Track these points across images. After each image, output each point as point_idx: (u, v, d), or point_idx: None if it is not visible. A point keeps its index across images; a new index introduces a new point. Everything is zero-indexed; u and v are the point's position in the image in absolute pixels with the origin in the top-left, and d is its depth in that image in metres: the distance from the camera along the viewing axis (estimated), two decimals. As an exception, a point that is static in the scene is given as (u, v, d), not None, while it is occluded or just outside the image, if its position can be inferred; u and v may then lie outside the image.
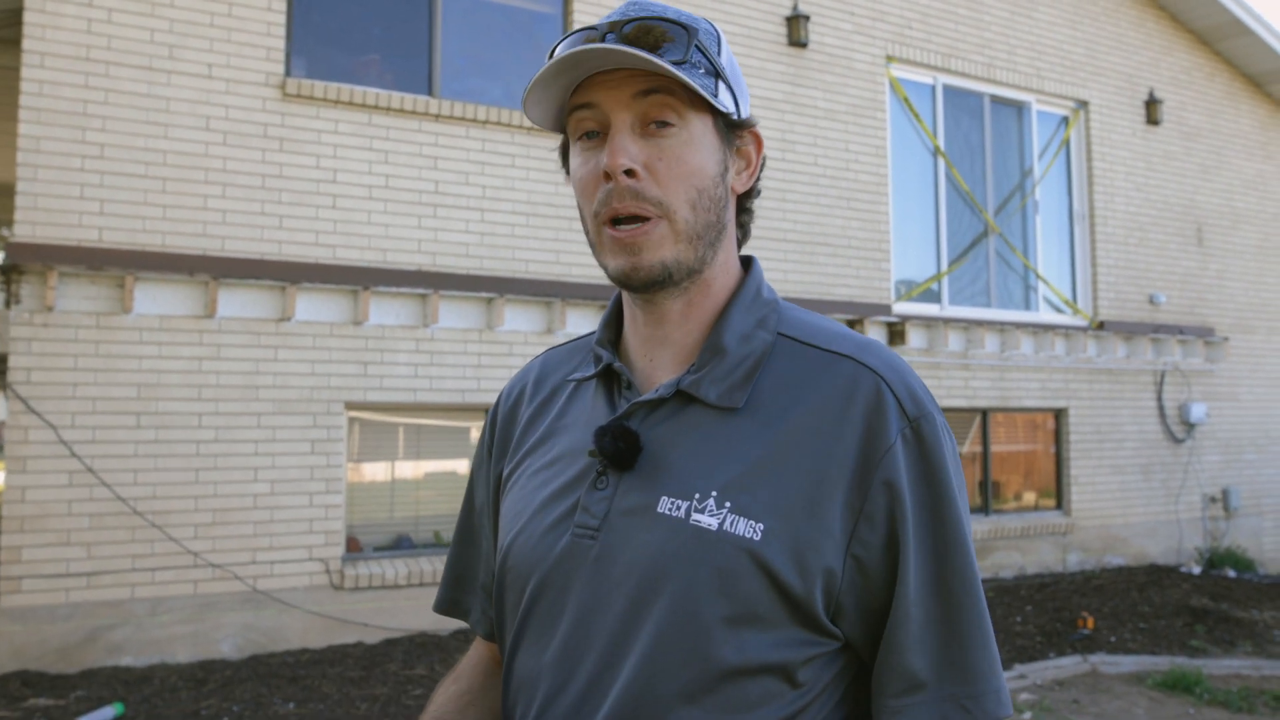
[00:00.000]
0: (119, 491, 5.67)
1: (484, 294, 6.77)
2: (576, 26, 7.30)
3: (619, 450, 1.07)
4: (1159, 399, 10.25)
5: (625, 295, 1.18)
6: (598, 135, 1.07)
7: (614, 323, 1.22)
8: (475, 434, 7.06)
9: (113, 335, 5.77)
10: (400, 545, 6.68)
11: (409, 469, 6.92)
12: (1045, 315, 9.72)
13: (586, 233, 1.11)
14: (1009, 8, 9.64)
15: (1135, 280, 10.24)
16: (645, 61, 1.01)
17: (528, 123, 7.05)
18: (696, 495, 1.02)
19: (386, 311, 6.54)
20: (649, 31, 1.04)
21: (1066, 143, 10.07)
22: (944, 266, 9.16)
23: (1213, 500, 10.62)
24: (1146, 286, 10.31)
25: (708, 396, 1.07)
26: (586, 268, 7.20)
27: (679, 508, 1.02)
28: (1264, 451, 11.24)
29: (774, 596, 0.99)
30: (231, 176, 6.18)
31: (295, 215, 6.34)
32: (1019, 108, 9.82)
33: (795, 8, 8.24)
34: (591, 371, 1.19)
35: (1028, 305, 9.75)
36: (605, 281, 7.20)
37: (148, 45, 6.05)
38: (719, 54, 1.10)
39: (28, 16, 5.81)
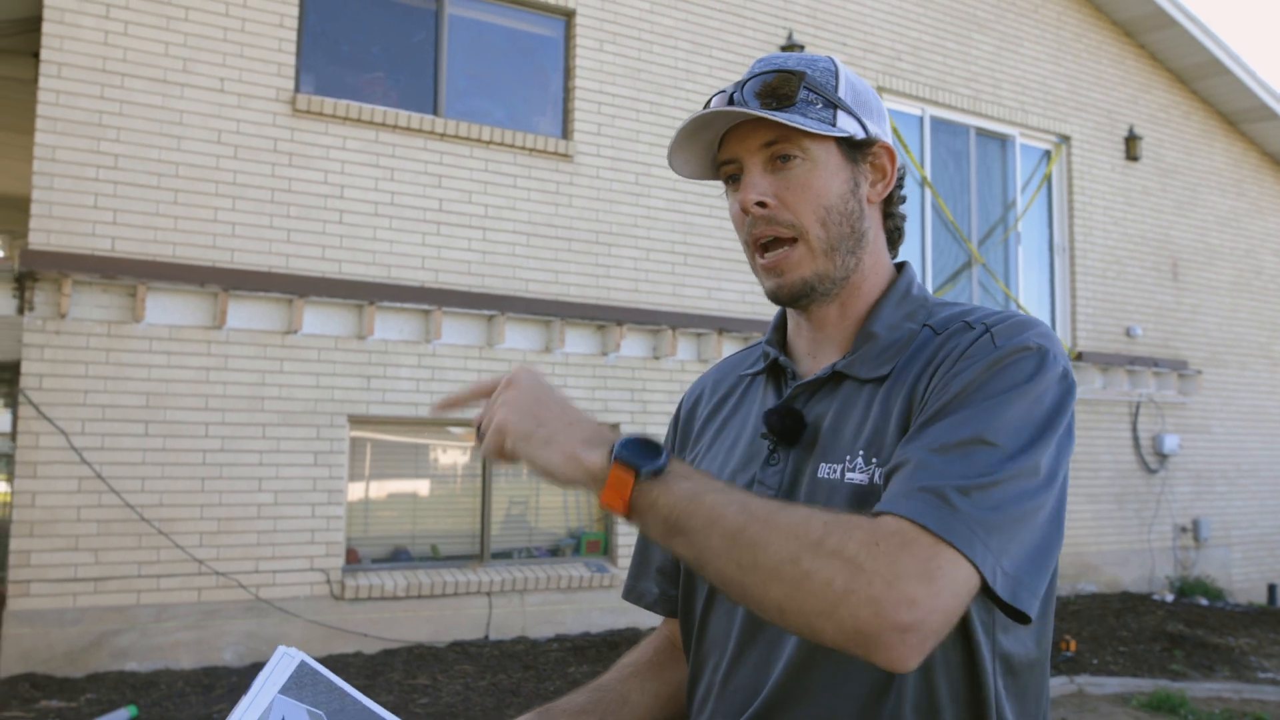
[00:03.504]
0: (127, 498, 5.73)
1: (485, 311, 6.90)
2: (579, 55, 7.48)
3: (785, 427, 1.22)
4: (1134, 429, 10.49)
5: None
6: (740, 179, 1.25)
7: (781, 326, 1.37)
8: (472, 451, 7.17)
9: (123, 344, 5.85)
10: (397, 558, 6.77)
11: (408, 483, 7.01)
12: (1026, 344, 9.93)
13: (749, 263, 1.29)
14: (995, 42, 9.92)
15: (1112, 313, 10.50)
16: (754, 115, 1.19)
17: (529, 144, 7.20)
18: (848, 457, 1.16)
19: (390, 326, 6.65)
20: (768, 84, 1.21)
21: (1048, 176, 10.33)
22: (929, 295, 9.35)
23: (1183, 530, 10.84)
24: (1123, 319, 10.56)
25: (860, 374, 1.21)
26: (584, 288, 7.34)
27: (835, 470, 1.17)
28: (1234, 484, 11.48)
29: None
30: (242, 190, 6.29)
31: (303, 229, 6.44)
32: (1003, 141, 10.09)
33: (790, 37, 8.45)
34: (761, 367, 1.35)
35: (1009, 334, 9.96)
36: (602, 302, 7.35)
37: (162, 58, 6.15)
38: (836, 86, 1.24)
39: (46, 27, 5.90)
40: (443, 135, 6.94)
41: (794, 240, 1.22)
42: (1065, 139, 10.37)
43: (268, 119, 6.42)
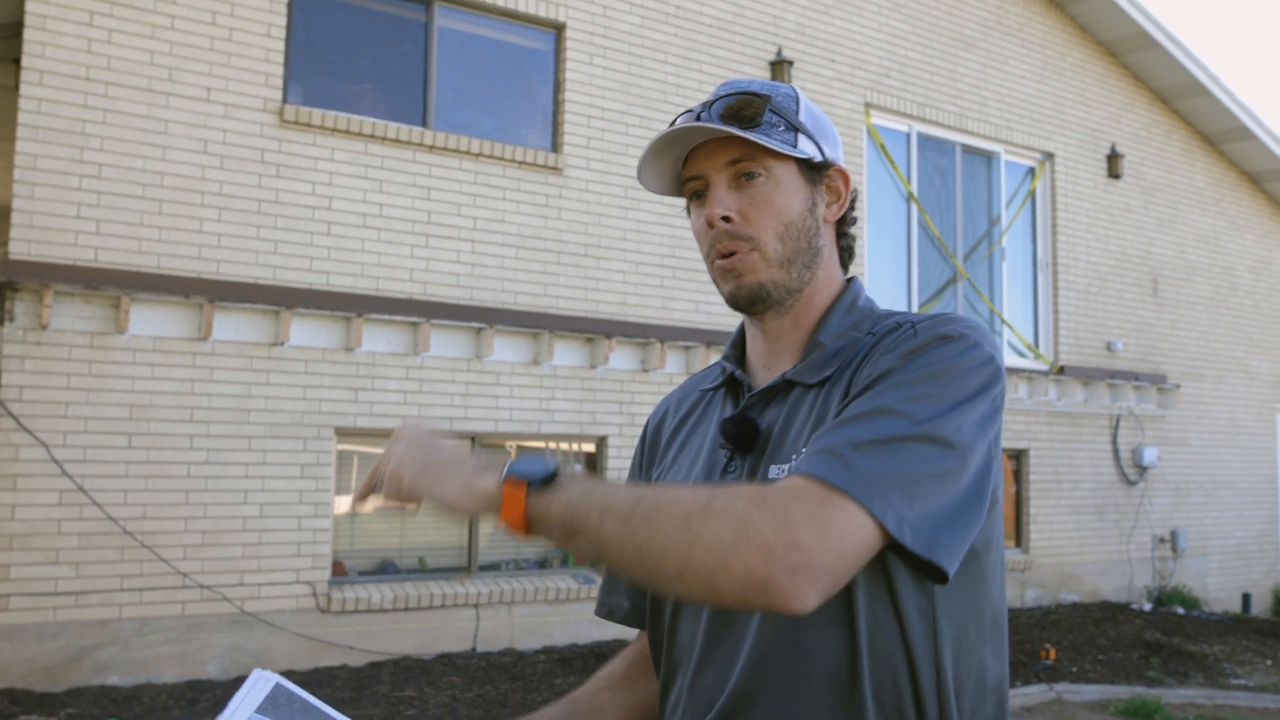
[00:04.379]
0: (109, 511, 5.66)
1: (473, 324, 6.86)
2: (569, 68, 7.48)
3: (740, 435, 1.27)
4: (1114, 442, 10.58)
5: (746, 320, 1.38)
6: (704, 195, 1.30)
7: (739, 344, 1.42)
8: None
9: (106, 355, 5.78)
10: (384, 570, 6.72)
11: (393, 495, 6.95)
12: (1009, 359, 10.00)
13: (709, 272, 1.33)
14: (982, 60, 9.98)
15: (1094, 327, 10.58)
16: (725, 133, 1.23)
17: (519, 157, 7.18)
18: (793, 456, 1.21)
19: (378, 338, 6.61)
20: (732, 106, 1.26)
21: (1033, 193, 10.41)
22: (914, 309, 9.40)
23: (1162, 541, 10.95)
24: (1105, 334, 10.65)
25: (806, 379, 1.27)
26: (573, 300, 7.32)
27: (784, 470, 1.21)
28: (1210, 495, 11.62)
29: None
30: (228, 200, 6.23)
31: (290, 241, 6.40)
32: (988, 157, 10.15)
33: (779, 53, 8.47)
34: (720, 381, 1.41)
35: (992, 348, 10.02)
36: (591, 315, 7.33)
37: (148, 67, 6.09)
38: (797, 112, 1.30)
39: (28, 34, 5.83)
40: (432, 147, 6.91)
41: (751, 251, 1.27)
42: (1049, 156, 10.45)
43: (255, 129, 6.37)
